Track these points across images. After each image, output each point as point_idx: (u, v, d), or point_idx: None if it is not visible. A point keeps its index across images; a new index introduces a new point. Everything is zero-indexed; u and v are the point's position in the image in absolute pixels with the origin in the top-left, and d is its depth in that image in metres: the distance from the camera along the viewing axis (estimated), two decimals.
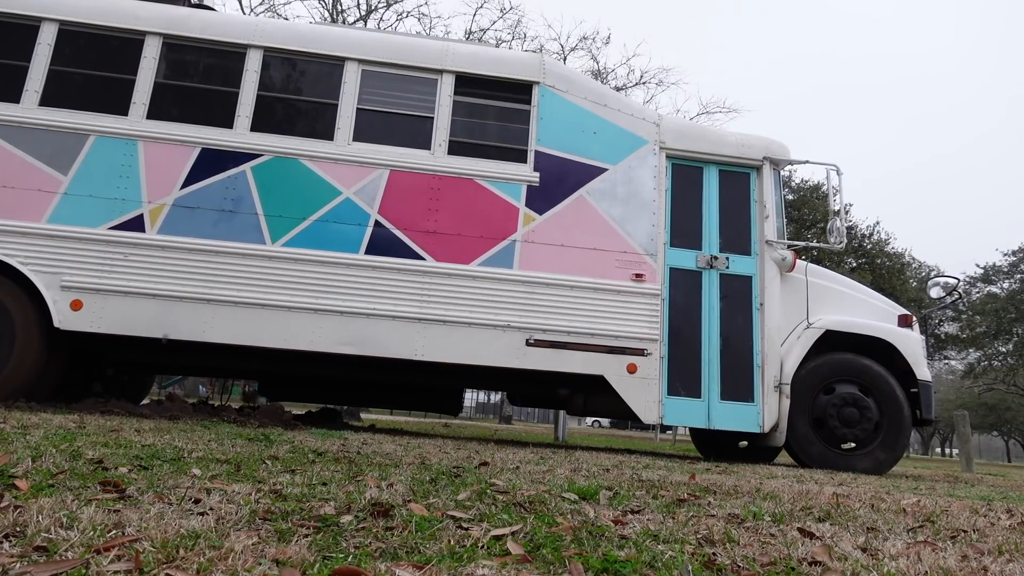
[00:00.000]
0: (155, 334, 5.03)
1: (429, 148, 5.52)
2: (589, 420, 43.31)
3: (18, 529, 1.29)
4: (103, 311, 5.02)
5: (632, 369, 5.37)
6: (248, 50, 5.50)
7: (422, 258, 5.32)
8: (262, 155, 5.34)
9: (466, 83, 5.66)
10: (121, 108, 5.31)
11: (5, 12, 5.34)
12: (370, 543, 1.40)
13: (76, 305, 5.00)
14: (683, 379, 5.48)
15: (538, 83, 5.70)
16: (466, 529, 1.60)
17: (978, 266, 34.20)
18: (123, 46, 5.42)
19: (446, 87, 5.61)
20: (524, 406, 6.65)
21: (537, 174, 5.55)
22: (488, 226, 5.42)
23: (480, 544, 1.46)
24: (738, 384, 5.53)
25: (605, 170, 5.66)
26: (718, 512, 2.16)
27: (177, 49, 5.48)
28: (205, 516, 1.51)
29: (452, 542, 1.46)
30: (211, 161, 5.29)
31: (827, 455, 5.60)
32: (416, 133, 5.55)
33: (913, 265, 29.82)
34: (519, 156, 5.60)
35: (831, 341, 5.75)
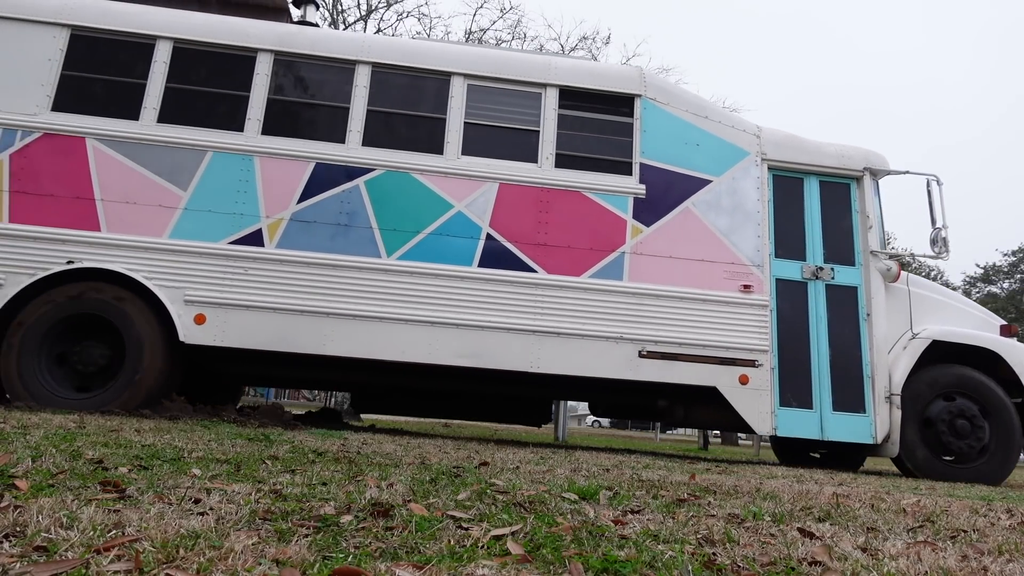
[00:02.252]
0: (277, 347, 5.08)
1: (536, 161, 5.58)
2: (589, 420, 43.31)
3: (18, 529, 1.29)
4: (226, 325, 5.07)
5: (744, 380, 5.38)
6: (357, 66, 5.58)
7: (534, 270, 5.36)
8: (375, 169, 5.40)
9: (569, 97, 5.73)
10: (236, 124, 5.40)
11: (123, 31, 5.44)
12: (370, 543, 1.40)
13: (200, 319, 5.06)
14: (794, 390, 5.48)
15: (640, 96, 5.76)
16: (466, 529, 1.60)
17: (978, 266, 34.21)
18: (235, 63, 5.52)
19: (550, 100, 5.68)
20: (606, 417, 6.66)
21: (643, 186, 5.59)
22: (597, 238, 5.46)
23: (480, 544, 1.46)
24: (849, 395, 5.52)
25: (709, 182, 5.69)
26: (718, 512, 2.16)
27: (287, 65, 5.57)
28: (205, 516, 1.51)
29: (452, 542, 1.46)
30: (325, 176, 5.36)
31: (936, 466, 5.55)
32: (522, 146, 5.62)
33: (913, 264, 29.83)
34: (624, 168, 5.64)
35: (934, 351, 5.73)
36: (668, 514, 2.05)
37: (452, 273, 5.28)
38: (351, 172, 5.38)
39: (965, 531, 2.15)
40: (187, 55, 5.47)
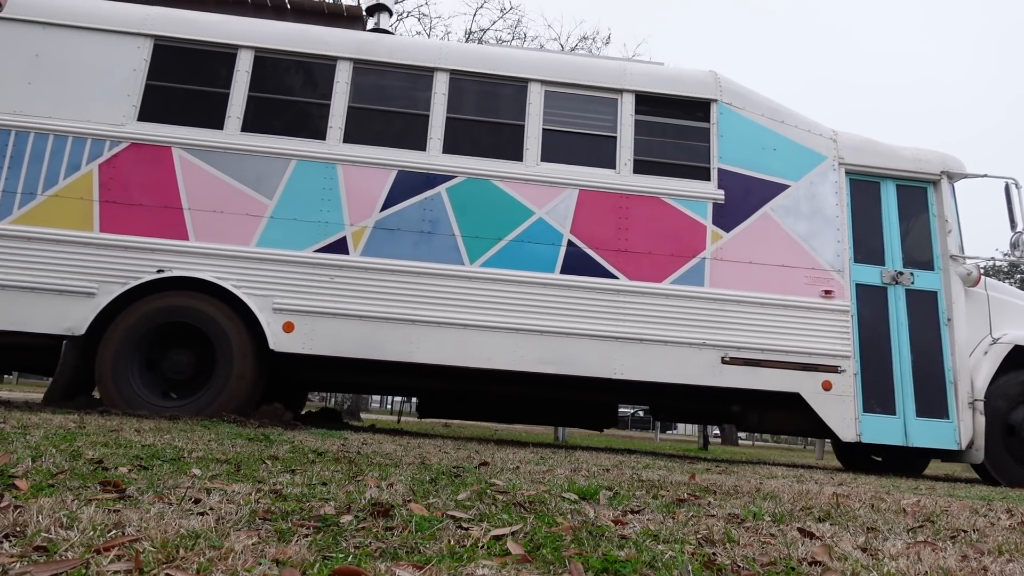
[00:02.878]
0: (364, 355, 5.11)
1: (614, 167, 5.58)
2: None
3: (18, 529, 1.29)
4: (314, 333, 5.11)
5: (827, 386, 5.37)
6: (435, 73, 5.60)
7: (615, 277, 5.37)
8: (456, 176, 5.42)
9: (645, 102, 5.73)
10: (319, 132, 5.44)
11: (205, 41, 5.49)
12: (370, 543, 1.40)
13: (288, 327, 5.10)
14: (877, 396, 5.46)
15: (716, 101, 5.76)
16: (466, 529, 1.60)
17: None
18: (316, 71, 5.55)
19: (627, 106, 5.68)
20: (670, 421, 6.63)
21: (722, 191, 5.58)
22: (677, 244, 5.46)
23: (480, 544, 1.46)
24: (932, 401, 5.49)
25: (787, 187, 5.68)
26: (718, 512, 2.16)
27: (366, 73, 5.59)
28: (205, 516, 1.51)
29: (452, 542, 1.46)
30: (407, 183, 5.39)
31: (1020, 473, 5.51)
32: (600, 153, 5.62)
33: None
34: (702, 174, 5.63)
35: (1015, 356, 5.69)
36: (668, 514, 2.05)
37: (535, 280, 5.30)
38: (432, 179, 5.40)
39: (965, 531, 2.15)
40: (268, 64, 5.51)
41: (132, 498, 1.67)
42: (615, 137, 5.63)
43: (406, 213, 5.32)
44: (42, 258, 5.01)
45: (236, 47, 5.49)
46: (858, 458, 6.95)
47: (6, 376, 21.46)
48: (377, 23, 6.49)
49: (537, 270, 5.31)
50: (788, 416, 5.53)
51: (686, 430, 41.54)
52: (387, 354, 5.12)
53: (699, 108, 5.76)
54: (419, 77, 5.60)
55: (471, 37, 17.12)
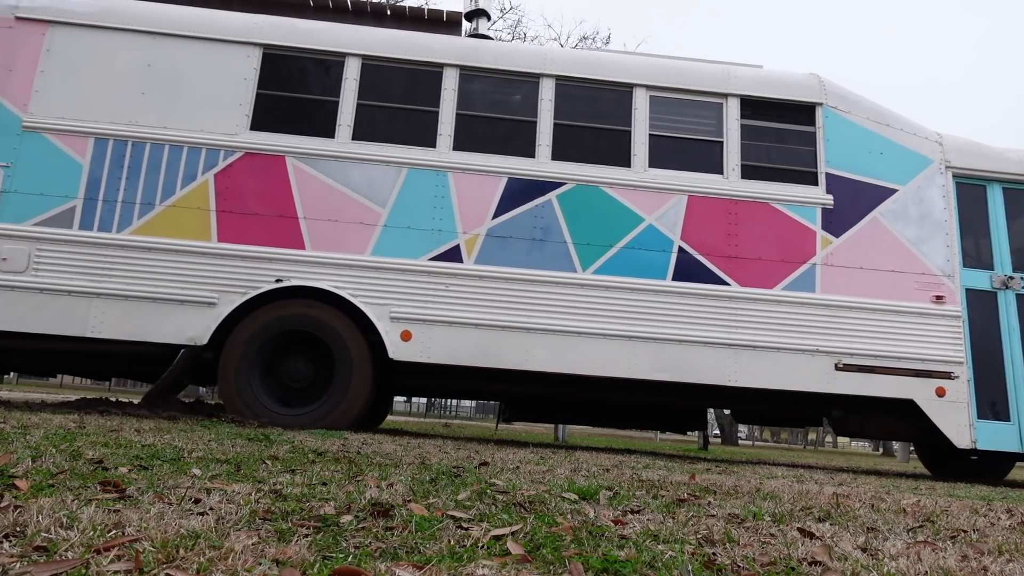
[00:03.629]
0: (480, 363, 5.12)
1: (722, 173, 5.56)
2: None
3: (18, 529, 1.29)
4: (431, 341, 5.12)
5: (941, 392, 5.33)
6: (541, 79, 5.59)
7: (727, 283, 5.35)
8: (566, 183, 5.41)
9: (750, 106, 5.70)
10: (428, 140, 5.44)
11: (313, 49, 5.50)
12: (370, 543, 1.40)
13: (406, 336, 5.11)
14: (991, 402, 5.42)
15: (821, 104, 5.71)
16: (466, 529, 1.60)
17: None
18: (423, 78, 5.55)
19: (732, 111, 5.65)
20: (753, 424, 6.61)
21: (831, 196, 5.55)
22: (787, 250, 5.44)
23: (480, 544, 1.46)
24: None
25: (895, 191, 5.63)
26: (718, 512, 2.16)
27: (472, 80, 5.58)
28: (205, 516, 1.51)
29: (452, 542, 1.46)
30: (518, 190, 5.38)
31: None
32: (707, 158, 5.60)
33: None
34: (810, 179, 5.61)
35: None
36: (668, 514, 2.05)
37: (647, 287, 5.29)
38: (543, 187, 5.40)
39: (965, 531, 2.15)
40: (375, 71, 5.51)
41: (132, 498, 1.67)
42: (721, 142, 5.61)
43: (518, 220, 5.33)
44: (163, 268, 5.04)
45: (344, 55, 5.49)
46: (944, 463, 6.85)
47: (6, 376, 21.46)
48: (475, 28, 6.48)
49: (649, 277, 5.31)
50: (890, 421, 5.51)
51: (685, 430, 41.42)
52: (503, 362, 5.13)
53: (804, 112, 5.72)
54: (524, 83, 5.59)
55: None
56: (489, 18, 6.49)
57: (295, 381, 5.12)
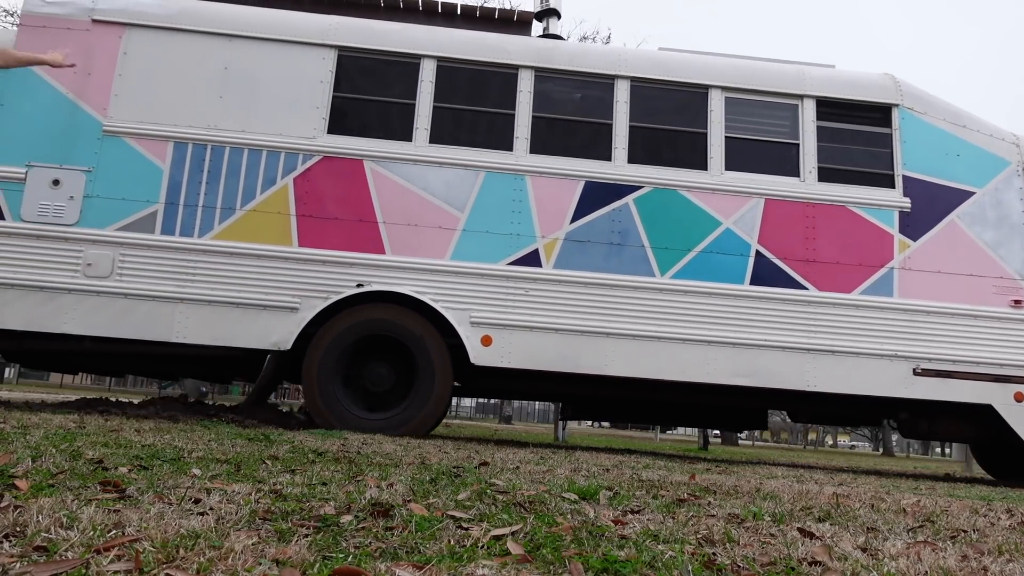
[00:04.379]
0: (560, 368, 5.11)
1: (798, 176, 5.51)
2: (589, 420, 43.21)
3: (18, 529, 1.29)
4: (511, 346, 5.10)
5: (1019, 398, 5.30)
6: (616, 80, 5.52)
7: (804, 287, 5.32)
8: (642, 187, 5.37)
9: (826, 107, 5.63)
10: (505, 143, 5.39)
11: (388, 51, 5.45)
12: (370, 543, 1.40)
13: (486, 341, 5.10)
14: None
15: (897, 105, 5.65)
16: (466, 529, 1.60)
17: None
18: (498, 80, 5.50)
19: (808, 113, 5.59)
20: (812, 423, 6.56)
21: (908, 199, 5.50)
22: (864, 253, 5.39)
23: (480, 544, 1.46)
24: None
25: (972, 194, 5.57)
26: (718, 512, 2.16)
27: (547, 81, 5.53)
28: (205, 516, 1.51)
29: (452, 542, 1.45)
30: (595, 194, 5.34)
31: None
32: (782, 160, 5.55)
33: None
34: (886, 181, 5.55)
35: None
36: (668, 514, 2.05)
37: (725, 291, 5.26)
38: (620, 190, 5.35)
39: (965, 531, 2.15)
40: (450, 73, 5.47)
41: (132, 498, 1.67)
42: (797, 144, 5.56)
43: (595, 224, 5.29)
44: (245, 273, 5.05)
45: (419, 56, 5.44)
46: (1010, 467, 6.73)
47: (6, 376, 21.45)
48: (546, 28, 6.39)
49: (727, 281, 5.27)
50: (958, 424, 5.50)
51: (686, 430, 41.51)
52: (582, 367, 5.11)
53: (879, 113, 5.65)
54: (599, 85, 5.53)
55: None
56: (559, 17, 6.42)
57: (376, 385, 5.13)
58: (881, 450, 33.07)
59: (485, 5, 6.30)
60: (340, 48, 5.41)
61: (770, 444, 36.42)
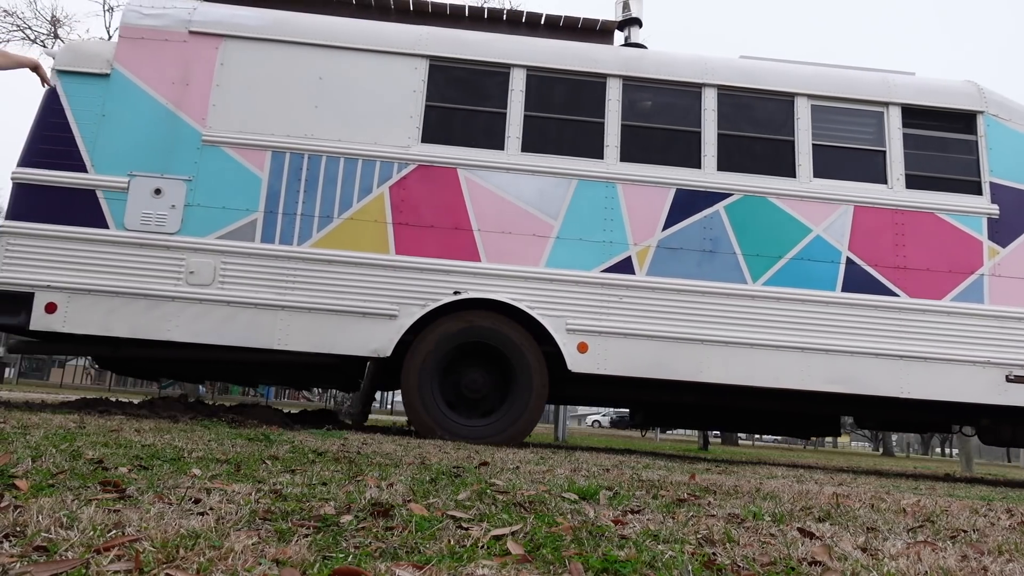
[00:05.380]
0: (654, 375, 5.13)
1: (886, 182, 5.53)
2: (589, 420, 43.30)
3: (18, 529, 1.29)
4: (607, 353, 5.12)
5: None
6: (703, 89, 5.57)
7: (896, 295, 5.33)
8: (732, 194, 5.40)
9: (911, 115, 5.66)
10: (595, 151, 5.43)
11: (478, 60, 5.50)
12: (370, 543, 1.40)
13: (582, 347, 5.12)
14: None
15: (982, 112, 5.67)
16: (466, 529, 1.60)
17: None
18: (586, 89, 5.54)
19: (893, 120, 5.61)
20: (879, 429, 6.57)
21: (996, 206, 5.51)
22: (953, 260, 5.41)
23: (480, 544, 1.46)
24: None
25: None
26: (718, 512, 2.16)
27: (635, 90, 5.57)
28: (205, 516, 1.51)
29: (452, 542, 1.45)
30: (686, 201, 5.38)
31: None
32: (869, 168, 5.57)
33: None
34: (973, 188, 5.56)
35: None
36: (668, 514, 2.05)
37: (818, 298, 5.28)
38: (711, 197, 5.39)
39: (965, 531, 2.15)
40: (540, 82, 5.52)
41: (132, 498, 1.67)
42: (884, 152, 5.58)
43: (687, 232, 5.32)
44: (345, 281, 5.09)
45: (509, 66, 5.50)
46: None
47: (6, 376, 21.47)
48: (628, 37, 6.42)
49: (818, 288, 5.30)
50: None
51: (686, 430, 41.48)
52: (678, 374, 5.13)
53: (964, 120, 5.68)
54: (686, 93, 5.58)
55: None
56: (641, 26, 6.44)
57: (473, 392, 5.17)
58: (881, 450, 33.07)
59: (567, 15, 6.29)
60: (431, 58, 5.48)
61: (770, 444, 36.40)
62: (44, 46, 17.54)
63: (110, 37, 21.60)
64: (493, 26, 6.13)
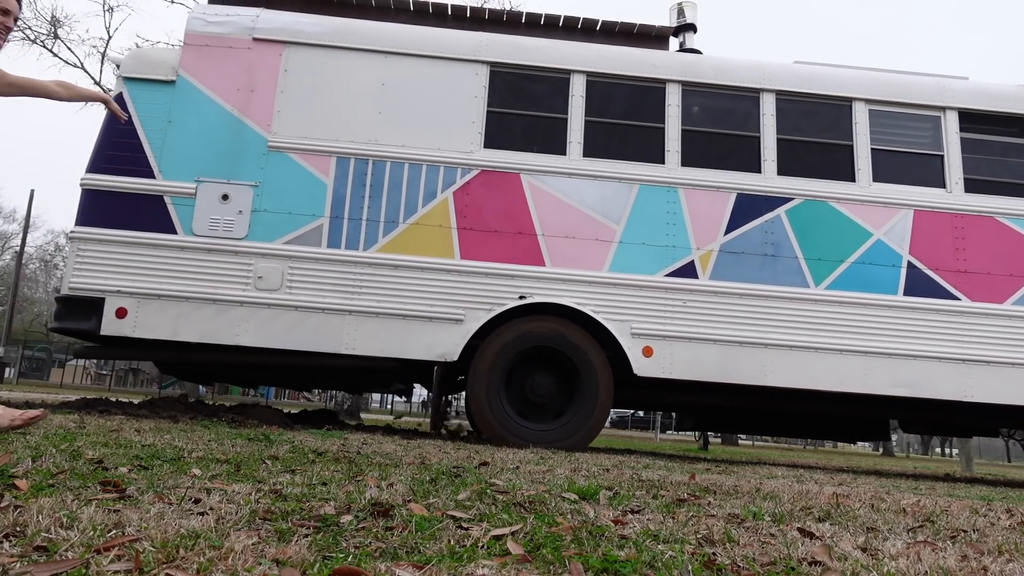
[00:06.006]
0: (718, 379, 5.15)
1: (945, 187, 5.55)
2: None
3: (18, 529, 1.29)
4: (672, 357, 5.15)
5: None
6: (761, 94, 5.60)
7: (957, 298, 5.34)
8: (793, 199, 5.42)
9: (968, 119, 5.68)
10: (657, 156, 5.46)
11: (538, 66, 5.54)
12: (370, 543, 1.40)
13: (647, 352, 5.14)
14: None
15: None
16: (466, 529, 1.60)
17: None
18: (646, 94, 5.57)
19: (951, 124, 5.63)
20: (925, 434, 6.56)
21: None
22: (1014, 264, 5.42)
23: (480, 544, 1.46)
24: None
25: None
26: (718, 512, 2.16)
27: (694, 95, 5.60)
28: (205, 516, 1.51)
29: (452, 542, 1.45)
30: (748, 206, 5.40)
31: None
32: (928, 172, 5.59)
33: None
34: None
35: None
36: (668, 514, 2.05)
37: (881, 302, 5.29)
38: (772, 202, 5.42)
39: (965, 531, 2.15)
40: (600, 88, 5.55)
41: (132, 498, 1.67)
42: (942, 156, 5.60)
43: (749, 236, 5.35)
44: (411, 285, 5.13)
45: (569, 72, 5.53)
46: None
47: (6, 376, 21.47)
48: (683, 43, 6.47)
49: (880, 292, 5.31)
50: None
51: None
52: (741, 378, 5.15)
53: (1020, 125, 5.69)
54: (745, 98, 5.61)
55: None
56: (696, 31, 6.48)
57: (539, 397, 5.19)
58: (881, 450, 33.09)
59: (624, 21, 6.32)
60: (492, 64, 5.51)
61: (770, 444, 36.41)
62: (44, 46, 17.53)
63: (110, 37, 21.62)
64: (549, 32, 6.19)
